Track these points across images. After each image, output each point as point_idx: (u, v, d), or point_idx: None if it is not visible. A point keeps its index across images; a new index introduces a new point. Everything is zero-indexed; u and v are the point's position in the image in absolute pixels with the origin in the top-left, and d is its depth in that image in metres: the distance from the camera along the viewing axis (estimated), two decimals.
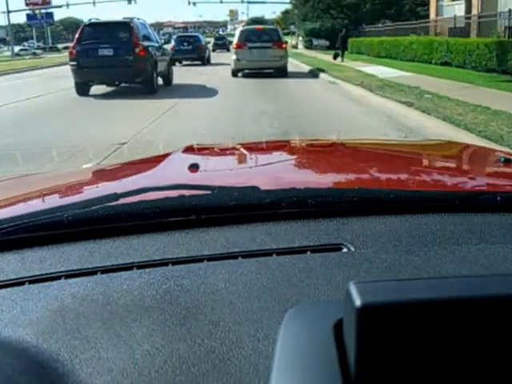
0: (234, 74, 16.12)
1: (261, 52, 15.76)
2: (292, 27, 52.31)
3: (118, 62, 10.53)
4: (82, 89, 10.99)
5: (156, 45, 12.30)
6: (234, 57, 16.18)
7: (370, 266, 0.71)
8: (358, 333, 0.42)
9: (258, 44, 16.01)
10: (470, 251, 0.76)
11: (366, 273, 0.70)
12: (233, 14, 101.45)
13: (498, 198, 0.91)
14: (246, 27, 18.72)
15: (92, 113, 8.99)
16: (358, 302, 0.42)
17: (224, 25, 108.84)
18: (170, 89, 12.52)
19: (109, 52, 10.71)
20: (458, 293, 0.43)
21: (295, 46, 44.98)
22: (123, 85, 11.49)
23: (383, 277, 0.68)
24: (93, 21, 11.72)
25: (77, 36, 11.14)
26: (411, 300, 0.42)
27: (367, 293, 0.43)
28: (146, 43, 11.32)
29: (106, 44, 10.73)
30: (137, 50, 10.74)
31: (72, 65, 10.86)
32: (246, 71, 16.03)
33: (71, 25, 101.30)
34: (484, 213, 0.90)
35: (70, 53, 11.10)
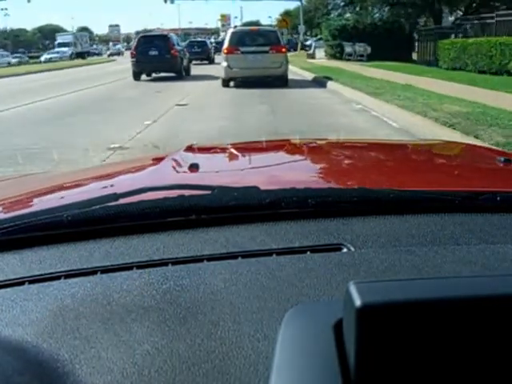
0: (225, 83, 13.76)
1: (257, 58, 13.37)
2: (300, 28, 36.36)
3: (161, 59, 17.27)
4: (137, 76, 17.57)
5: (181, 48, 19.43)
6: (225, 64, 13.65)
7: (369, 266, 0.71)
8: (358, 333, 0.42)
9: (253, 48, 13.62)
10: (470, 251, 0.76)
11: (365, 273, 0.70)
12: (225, 18, 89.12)
13: (498, 198, 0.91)
14: (238, 28, 16.01)
15: (156, 89, 14.27)
16: (357, 302, 0.42)
17: (216, 32, 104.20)
18: (190, 77, 18.53)
19: (155, 53, 17.39)
20: (458, 293, 0.43)
21: (312, 56, 28.28)
22: (161, 75, 18.26)
23: (383, 277, 0.68)
24: (143, 34, 20.72)
25: (135, 44, 18.31)
26: (411, 300, 0.42)
27: (367, 293, 0.43)
28: (176, 47, 18.26)
29: (153, 48, 17.45)
30: (172, 51, 17.65)
31: (132, 61, 17.57)
32: (239, 80, 13.88)
33: (51, 32, 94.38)
34: (484, 213, 0.90)
35: (132, 53, 17.86)
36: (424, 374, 0.43)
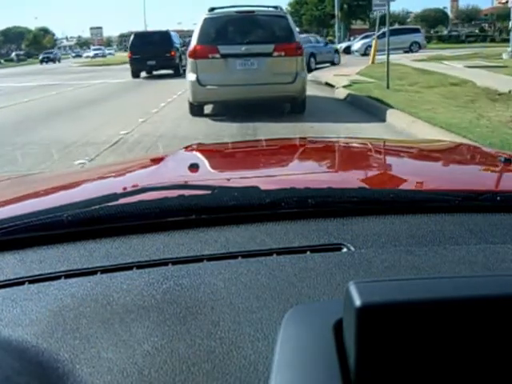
0: (195, 110, 7.94)
1: (250, 65, 7.62)
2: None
3: None
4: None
5: None
6: (192, 76, 7.65)
7: (369, 266, 0.71)
8: (358, 333, 0.42)
9: (243, 47, 7.55)
10: (470, 251, 0.76)
11: (365, 273, 0.70)
12: None
13: (498, 198, 0.91)
14: (218, 11, 8.11)
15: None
16: (357, 302, 0.42)
17: None
18: None
19: None
20: (458, 293, 0.43)
21: None
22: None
23: (383, 277, 0.68)
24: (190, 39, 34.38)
25: (186, 47, 29.96)
26: (411, 300, 0.42)
27: (367, 293, 0.43)
28: None
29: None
30: None
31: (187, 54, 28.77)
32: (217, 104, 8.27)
33: (17, 35, 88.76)
34: (484, 213, 0.90)
35: (188, 51, 30.69)
36: (424, 374, 0.43)
